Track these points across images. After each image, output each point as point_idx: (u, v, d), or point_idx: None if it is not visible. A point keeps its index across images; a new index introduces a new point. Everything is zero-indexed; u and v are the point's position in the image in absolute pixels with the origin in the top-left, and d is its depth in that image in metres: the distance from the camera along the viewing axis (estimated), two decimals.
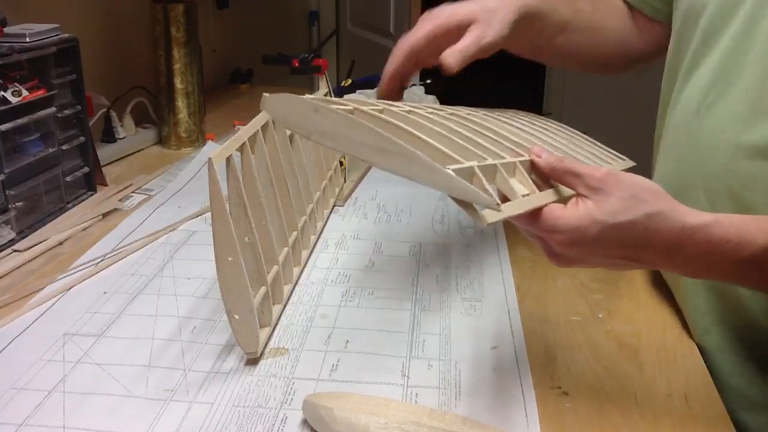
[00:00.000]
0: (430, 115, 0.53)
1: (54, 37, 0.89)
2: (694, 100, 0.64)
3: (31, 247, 0.83)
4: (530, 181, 0.49)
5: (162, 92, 1.20)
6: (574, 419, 0.55)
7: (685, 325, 0.68)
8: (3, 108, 0.81)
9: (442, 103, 1.35)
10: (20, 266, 0.79)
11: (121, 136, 1.20)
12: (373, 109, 0.50)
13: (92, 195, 0.99)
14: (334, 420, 0.50)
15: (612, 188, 0.48)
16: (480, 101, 0.68)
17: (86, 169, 0.98)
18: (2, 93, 0.81)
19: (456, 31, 0.66)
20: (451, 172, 0.41)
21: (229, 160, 0.60)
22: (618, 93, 2.42)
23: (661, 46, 0.84)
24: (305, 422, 0.54)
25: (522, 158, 0.50)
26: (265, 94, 0.45)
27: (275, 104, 0.45)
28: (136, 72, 1.29)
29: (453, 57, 0.64)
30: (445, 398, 0.57)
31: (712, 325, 0.66)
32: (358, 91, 1.30)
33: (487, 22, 0.67)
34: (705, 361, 0.63)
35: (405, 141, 0.42)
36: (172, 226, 0.89)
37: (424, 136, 0.46)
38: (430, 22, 0.66)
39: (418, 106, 0.57)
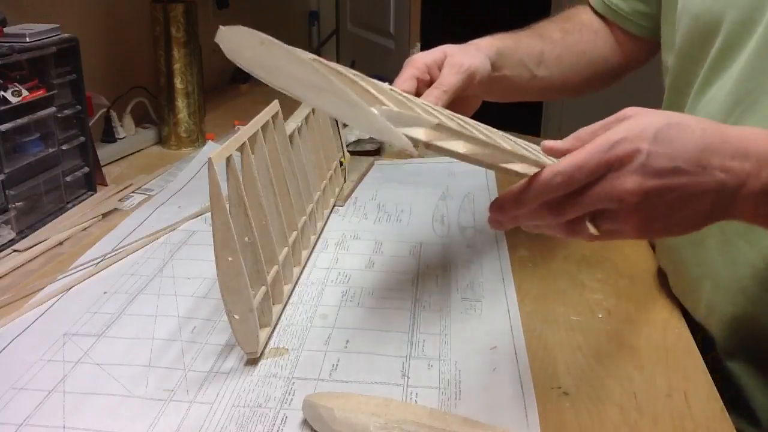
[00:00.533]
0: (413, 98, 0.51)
1: (54, 37, 0.89)
2: (715, 119, 0.62)
3: (31, 247, 0.83)
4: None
5: (162, 92, 1.20)
6: (574, 419, 0.55)
7: (686, 325, 0.68)
8: (3, 108, 0.81)
9: None
10: (20, 266, 0.79)
11: (121, 136, 1.20)
12: (345, 70, 0.48)
13: (92, 195, 0.99)
14: (334, 420, 0.50)
15: (641, 112, 0.46)
16: (477, 116, 0.68)
17: (86, 169, 0.98)
18: (2, 93, 0.81)
19: (435, 69, 0.67)
20: (375, 111, 0.40)
21: (229, 160, 0.60)
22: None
23: (641, 58, 0.86)
24: (305, 422, 0.54)
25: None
26: (221, 26, 0.45)
27: (229, 36, 0.45)
28: (136, 72, 1.29)
29: (431, 96, 0.64)
30: (445, 398, 0.57)
31: (737, 349, 0.65)
32: None
33: (461, 54, 0.68)
34: (730, 385, 0.62)
35: (351, 89, 0.42)
36: (172, 226, 0.89)
37: (375, 92, 0.44)
38: (409, 66, 0.67)
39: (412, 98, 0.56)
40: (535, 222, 0.49)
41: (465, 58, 0.67)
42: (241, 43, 0.44)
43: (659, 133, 0.44)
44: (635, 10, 0.81)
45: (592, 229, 0.47)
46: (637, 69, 0.87)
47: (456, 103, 0.65)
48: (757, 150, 0.46)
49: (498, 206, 0.49)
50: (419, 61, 0.66)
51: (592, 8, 0.86)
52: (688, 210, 0.46)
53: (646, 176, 0.44)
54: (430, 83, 0.66)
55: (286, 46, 0.43)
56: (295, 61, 0.42)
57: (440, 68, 0.67)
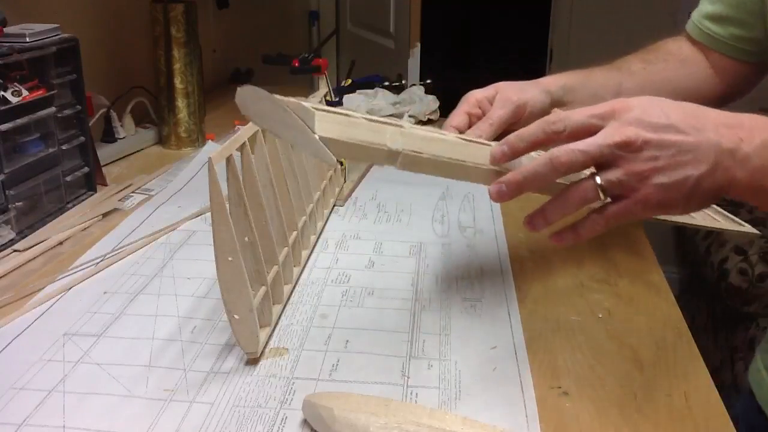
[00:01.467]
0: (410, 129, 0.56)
1: (54, 37, 0.89)
2: None
3: (31, 247, 0.83)
4: None
5: (162, 92, 1.20)
6: (574, 419, 0.55)
7: (686, 325, 0.68)
8: (3, 108, 0.81)
9: (442, 102, 1.36)
10: (20, 266, 0.79)
11: (121, 136, 1.20)
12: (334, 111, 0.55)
13: (92, 195, 0.99)
14: (334, 420, 0.50)
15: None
16: None
17: (86, 169, 0.98)
18: (2, 93, 0.81)
19: (486, 104, 0.70)
20: (317, 137, 0.51)
21: (229, 160, 0.60)
22: None
23: (746, 84, 0.82)
24: (305, 422, 0.54)
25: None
26: (239, 87, 0.53)
27: (241, 95, 0.53)
28: (136, 72, 1.29)
29: (478, 129, 0.66)
30: (445, 398, 0.57)
31: None
32: (358, 91, 1.30)
33: (511, 89, 0.70)
34: None
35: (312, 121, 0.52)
36: (172, 226, 0.89)
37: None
38: (463, 102, 0.70)
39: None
40: (540, 179, 0.50)
41: (514, 93, 0.70)
42: (247, 99, 0.53)
43: (651, 99, 0.48)
44: (733, 35, 0.79)
45: (601, 195, 0.49)
46: (745, 95, 0.83)
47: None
48: (750, 120, 0.49)
49: (501, 144, 0.52)
50: (472, 97, 0.70)
51: (688, 36, 0.84)
52: (692, 167, 0.47)
53: (642, 128, 0.47)
54: (475, 112, 0.69)
55: (272, 96, 0.52)
56: (276, 107, 0.52)
57: (491, 103, 0.70)
